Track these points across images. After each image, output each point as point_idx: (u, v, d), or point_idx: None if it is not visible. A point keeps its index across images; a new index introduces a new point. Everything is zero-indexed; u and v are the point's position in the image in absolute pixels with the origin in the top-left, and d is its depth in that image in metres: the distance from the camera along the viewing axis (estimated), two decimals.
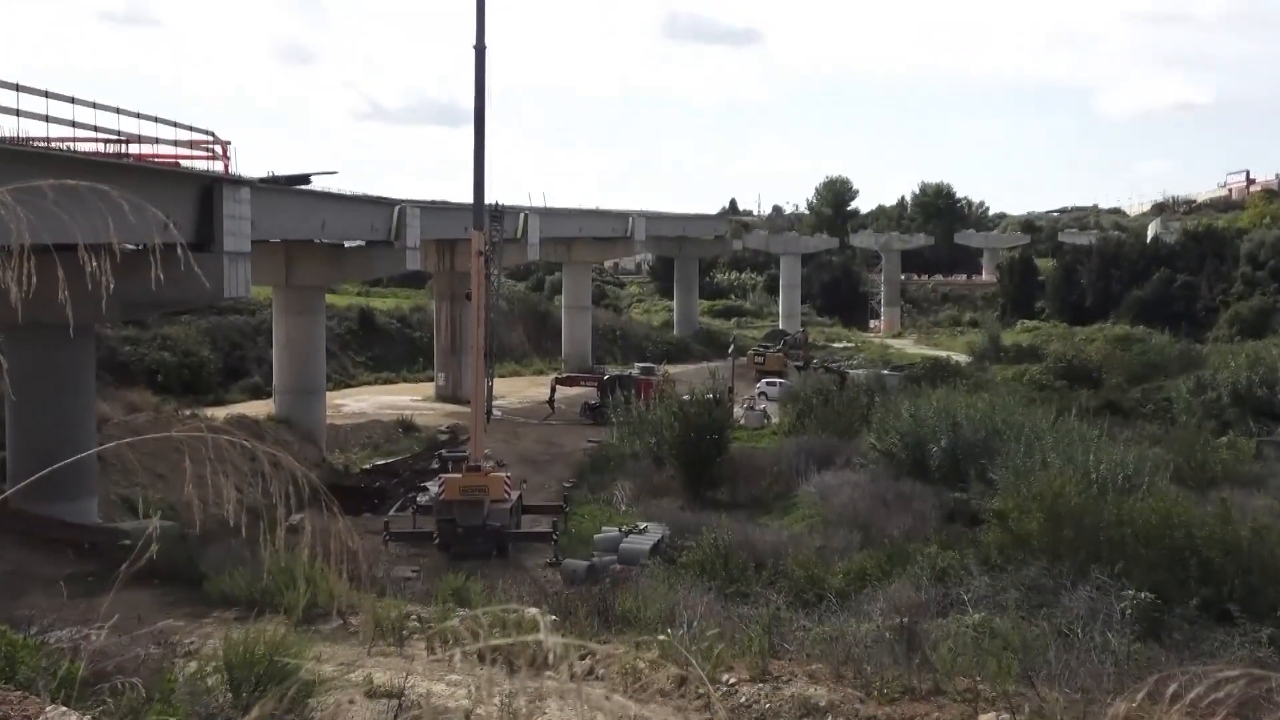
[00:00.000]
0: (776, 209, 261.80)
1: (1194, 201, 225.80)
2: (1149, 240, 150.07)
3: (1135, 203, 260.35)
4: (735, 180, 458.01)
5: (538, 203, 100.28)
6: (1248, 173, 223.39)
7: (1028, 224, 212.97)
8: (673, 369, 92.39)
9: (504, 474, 47.47)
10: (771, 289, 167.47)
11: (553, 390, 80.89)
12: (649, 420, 59.93)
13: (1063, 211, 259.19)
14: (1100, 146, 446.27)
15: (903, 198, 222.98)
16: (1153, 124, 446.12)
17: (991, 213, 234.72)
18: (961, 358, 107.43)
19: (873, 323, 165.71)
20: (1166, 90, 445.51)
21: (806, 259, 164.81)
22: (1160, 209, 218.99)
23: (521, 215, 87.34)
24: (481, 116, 48.25)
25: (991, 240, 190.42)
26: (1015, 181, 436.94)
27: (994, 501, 37.34)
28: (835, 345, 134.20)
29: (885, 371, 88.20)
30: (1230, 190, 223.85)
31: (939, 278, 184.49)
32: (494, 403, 59.66)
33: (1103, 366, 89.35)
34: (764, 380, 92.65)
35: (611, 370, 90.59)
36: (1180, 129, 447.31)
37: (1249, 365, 69.90)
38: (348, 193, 65.22)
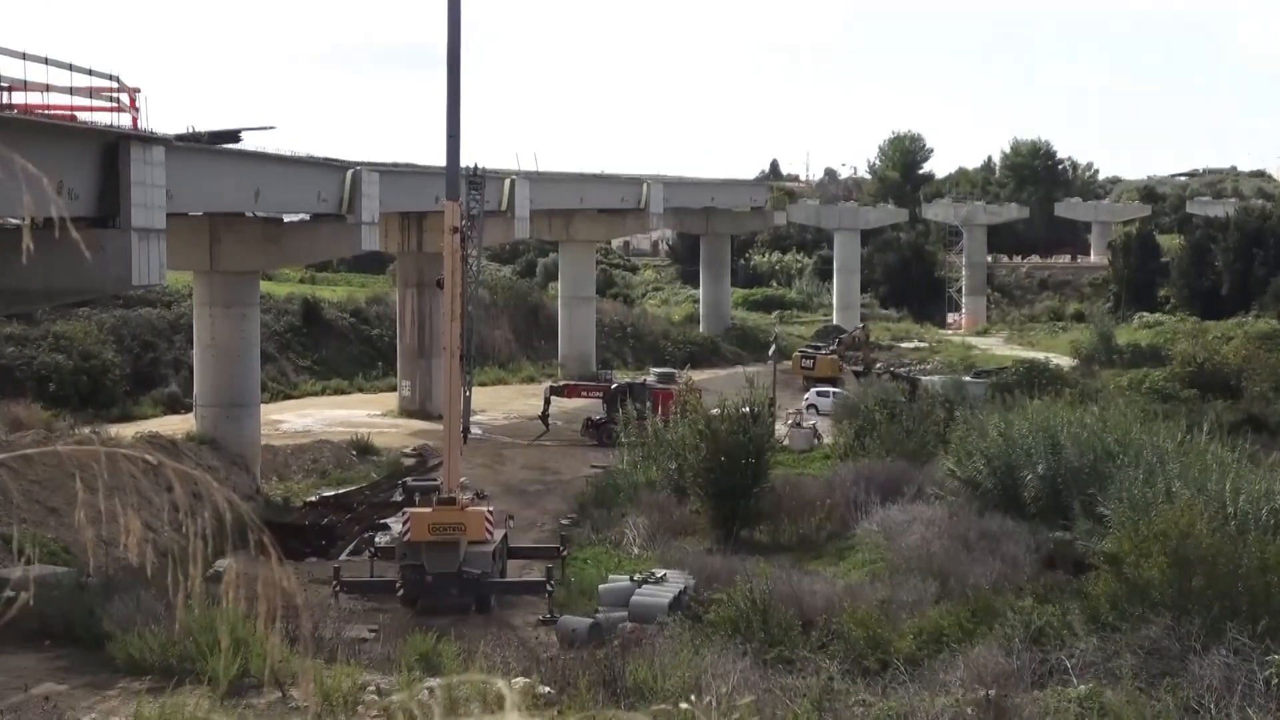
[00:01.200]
0: (830, 173, 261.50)
1: None
2: None
3: None
4: (778, 138, 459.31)
5: (528, 166, 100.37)
6: None
7: (1148, 191, 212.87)
8: (698, 375, 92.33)
9: (485, 508, 47.43)
10: (823, 274, 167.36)
11: (547, 402, 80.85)
12: (668, 440, 59.83)
13: (1192, 175, 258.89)
14: (1241, 92, 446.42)
15: (989, 159, 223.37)
16: None
17: (1101, 177, 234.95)
18: (1064, 360, 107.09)
19: (951, 316, 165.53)
20: None
21: (867, 236, 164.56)
22: None
23: (507, 181, 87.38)
24: (456, 55, 48.28)
25: (1102, 212, 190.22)
26: (1131, 138, 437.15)
27: (1105, 542, 37.21)
28: (904, 345, 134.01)
29: (967, 378, 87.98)
30: None
31: (1035, 259, 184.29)
32: (473, 418, 59.57)
33: (1243, 371, 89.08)
34: (814, 390, 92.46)
35: (621, 378, 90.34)
36: None
37: None
38: (289, 153, 65.42)
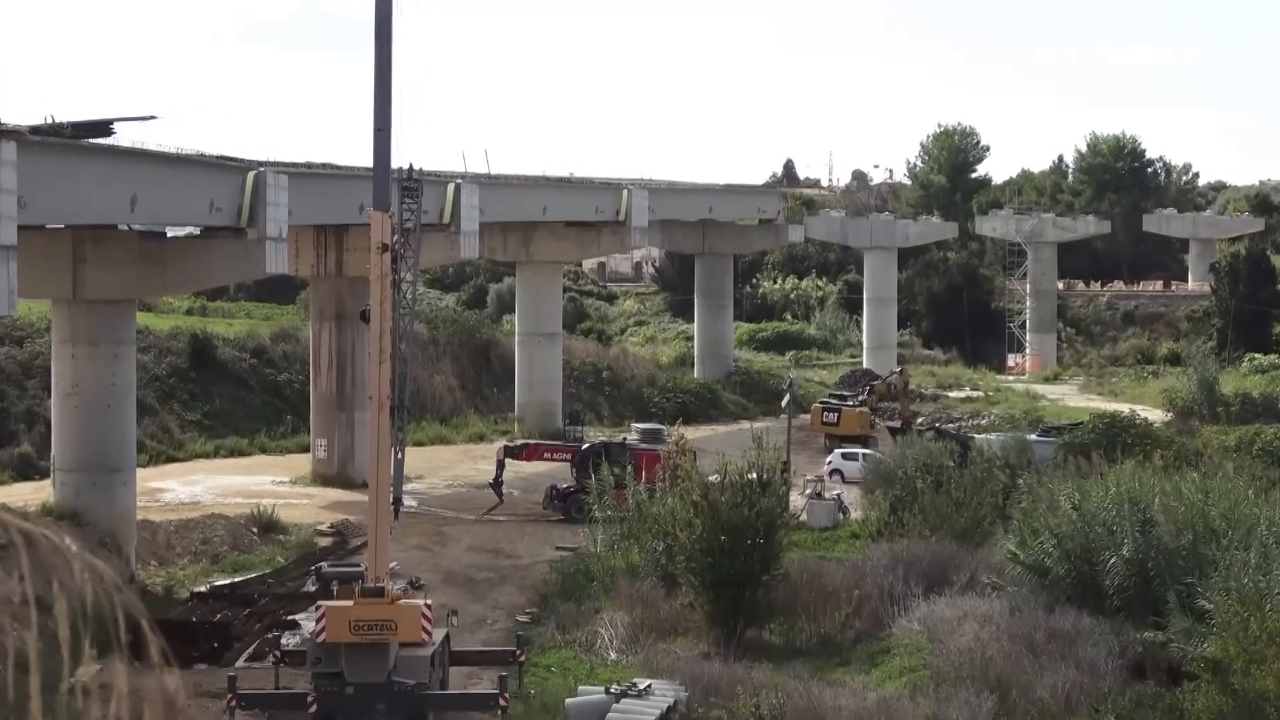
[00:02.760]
0: (859, 177, 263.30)
1: None
2: None
3: None
4: (794, 133, 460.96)
5: (478, 167, 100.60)
6: None
7: (1261, 200, 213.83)
8: (692, 433, 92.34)
9: (422, 601, 47.31)
10: (851, 305, 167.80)
11: (500, 466, 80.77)
12: (654, 515, 59.77)
13: None
14: None
15: (1060, 159, 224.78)
16: None
17: (1202, 183, 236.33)
18: (1155, 414, 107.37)
19: (1012, 358, 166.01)
20: None
21: (907, 256, 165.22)
22: None
23: (451, 187, 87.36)
24: (387, 24, 48.40)
25: (1202, 226, 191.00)
26: (1241, 133, 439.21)
27: (1207, 645, 37.21)
28: (952, 395, 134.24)
29: (1033, 437, 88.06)
30: None
31: (1118, 287, 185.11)
32: (406, 487, 59.33)
33: None
34: (839, 451, 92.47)
35: (594, 436, 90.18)
36: None
37: None
38: (173, 150, 65.34)
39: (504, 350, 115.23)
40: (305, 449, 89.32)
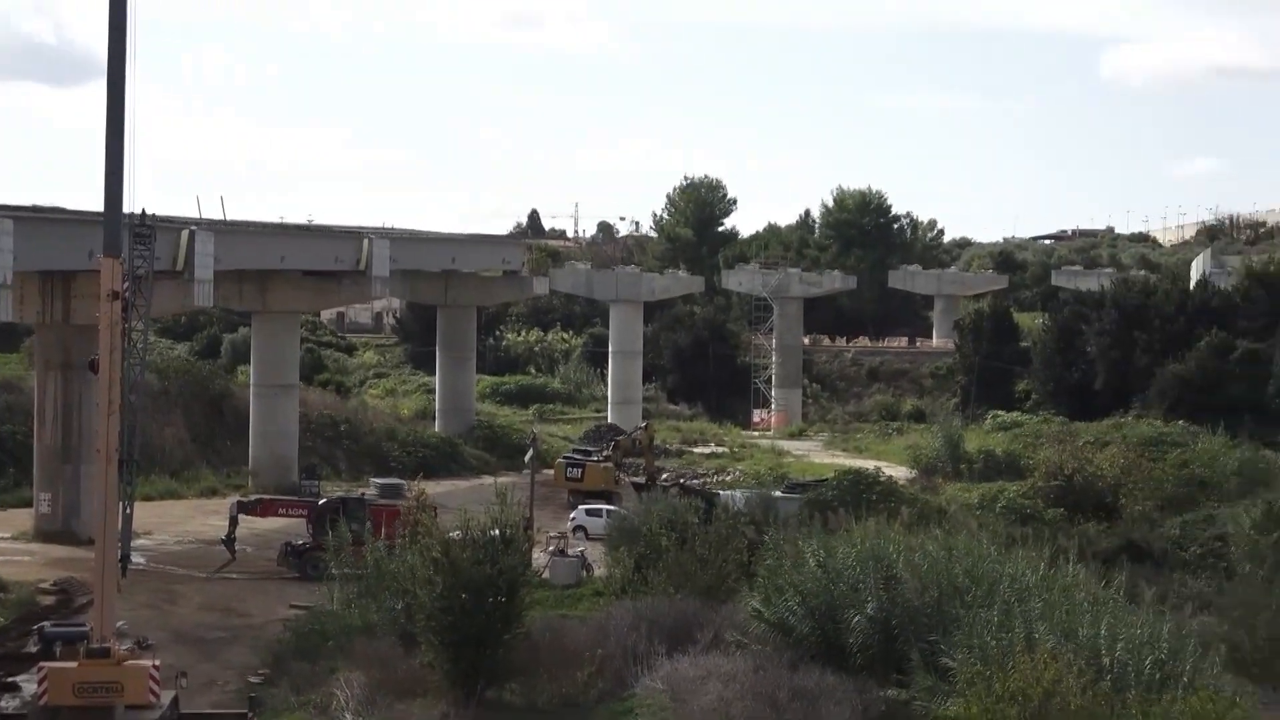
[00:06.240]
0: (605, 229, 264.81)
1: (1263, 225, 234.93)
2: (1193, 285, 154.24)
3: (1171, 225, 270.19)
4: (540, 182, 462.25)
5: (213, 213, 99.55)
6: None
7: (1004, 258, 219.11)
8: (432, 488, 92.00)
9: (150, 662, 46.57)
10: (596, 358, 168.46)
11: (233, 522, 79.87)
12: (392, 572, 59.40)
13: (1058, 239, 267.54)
14: (1116, 135, 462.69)
15: (807, 214, 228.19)
16: (1194, 99, 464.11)
17: (947, 239, 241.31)
18: (900, 471, 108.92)
19: (758, 414, 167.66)
20: (1212, 48, 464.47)
21: (653, 310, 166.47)
22: (1210, 235, 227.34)
23: (185, 233, 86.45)
24: (121, 62, 47.79)
25: (947, 283, 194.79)
26: (985, 191, 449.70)
27: (950, 703, 37.76)
28: (697, 450, 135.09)
29: (778, 493, 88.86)
30: None
31: (863, 342, 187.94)
32: (134, 543, 58.45)
33: (1120, 486, 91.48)
34: (583, 508, 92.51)
35: (331, 491, 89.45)
36: (1238, 107, 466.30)
37: None
38: None
39: (238, 402, 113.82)
40: (28, 503, 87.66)
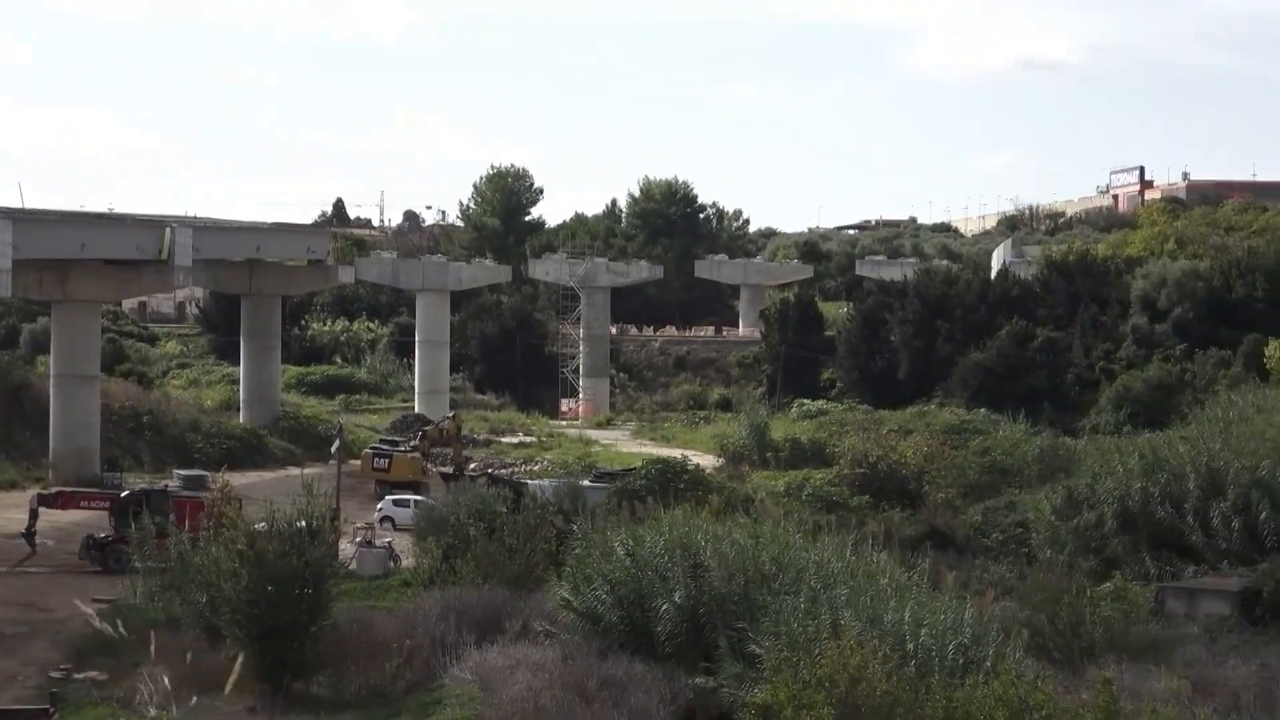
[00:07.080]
0: (411, 217, 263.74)
1: (1061, 215, 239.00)
2: (994, 275, 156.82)
3: (973, 216, 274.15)
4: (345, 171, 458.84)
5: (10, 202, 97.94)
6: (1141, 171, 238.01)
7: (809, 248, 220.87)
8: (237, 479, 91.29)
9: None
10: (403, 348, 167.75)
11: (33, 515, 78.79)
12: (197, 565, 58.88)
13: (863, 229, 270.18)
14: (918, 127, 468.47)
15: (614, 203, 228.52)
16: (998, 92, 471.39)
17: (754, 229, 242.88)
18: (707, 460, 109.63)
19: (566, 404, 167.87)
20: (1019, 41, 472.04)
21: (460, 300, 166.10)
22: (1011, 225, 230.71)
23: None
24: None
25: (753, 273, 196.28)
26: (790, 181, 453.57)
27: (757, 690, 38.09)
28: (505, 440, 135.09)
29: (586, 482, 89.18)
30: (1116, 197, 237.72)
31: (670, 332, 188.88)
32: None
33: (924, 473, 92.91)
34: (389, 498, 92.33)
35: (134, 483, 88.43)
36: (1040, 100, 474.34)
37: (1144, 471, 73.61)
38: None
39: (38, 393, 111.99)
40: None
